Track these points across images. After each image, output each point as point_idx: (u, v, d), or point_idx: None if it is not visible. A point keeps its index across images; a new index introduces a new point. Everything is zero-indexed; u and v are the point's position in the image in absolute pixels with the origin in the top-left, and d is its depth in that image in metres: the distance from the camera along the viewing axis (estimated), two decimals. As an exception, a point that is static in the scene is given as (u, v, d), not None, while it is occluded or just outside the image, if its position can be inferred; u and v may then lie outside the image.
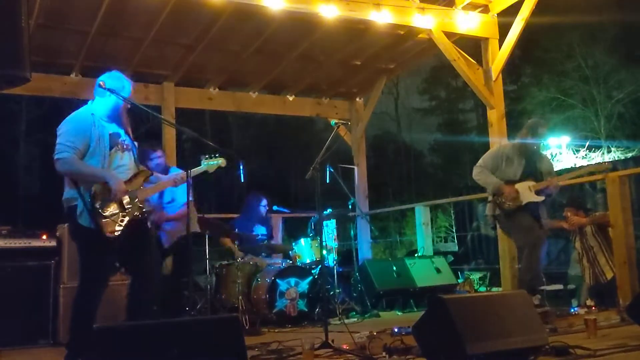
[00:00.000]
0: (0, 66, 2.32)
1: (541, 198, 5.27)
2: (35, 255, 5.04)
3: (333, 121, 4.85)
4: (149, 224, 3.87)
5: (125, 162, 3.73)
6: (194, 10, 6.29)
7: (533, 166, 5.38)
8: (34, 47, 6.34)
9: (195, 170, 4.06)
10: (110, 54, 7.09)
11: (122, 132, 3.78)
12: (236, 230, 6.42)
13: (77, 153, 3.54)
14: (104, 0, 5.86)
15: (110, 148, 3.64)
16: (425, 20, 6.51)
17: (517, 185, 5.27)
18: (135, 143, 3.89)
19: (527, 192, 5.23)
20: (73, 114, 3.71)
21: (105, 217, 3.52)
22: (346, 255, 8.30)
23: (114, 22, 6.39)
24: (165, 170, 5.15)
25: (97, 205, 3.50)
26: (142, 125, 20.72)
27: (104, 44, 6.86)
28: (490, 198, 5.37)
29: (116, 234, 3.55)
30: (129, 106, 3.77)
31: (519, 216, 5.24)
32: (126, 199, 3.61)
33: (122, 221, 3.58)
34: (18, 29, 2.36)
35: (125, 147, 3.75)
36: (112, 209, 3.56)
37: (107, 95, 3.70)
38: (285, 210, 8.13)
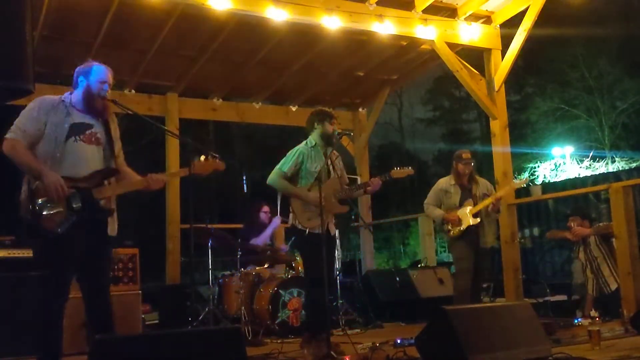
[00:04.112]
0: (4, 78, 2.34)
1: (477, 220, 5.62)
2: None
3: (336, 131, 4.83)
4: (109, 230, 3.49)
5: (86, 155, 3.42)
6: (198, 22, 6.33)
7: (468, 193, 5.77)
8: (38, 58, 6.39)
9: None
10: (115, 65, 6.98)
11: (95, 124, 3.50)
12: (239, 240, 6.42)
13: (25, 138, 3.31)
14: (108, 12, 5.92)
15: (68, 137, 3.36)
16: (428, 31, 6.53)
17: (458, 212, 5.68)
18: (113, 140, 3.58)
19: (466, 216, 5.64)
20: (42, 96, 3.50)
21: (44, 215, 3.21)
22: (349, 265, 8.29)
23: (118, 33, 6.44)
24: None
25: (37, 202, 3.21)
26: (145, 136, 20.80)
27: (108, 55, 6.88)
28: (437, 228, 5.90)
29: (59, 230, 3.22)
30: (105, 88, 3.51)
31: (455, 246, 5.74)
32: (75, 198, 3.28)
33: (67, 220, 3.25)
34: (22, 42, 2.38)
35: (95, 140, 3.47)
36: (55, 207, 3.23)
37: (79, 82, 3.54)
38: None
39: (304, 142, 4.86)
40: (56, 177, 3.24)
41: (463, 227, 5.60)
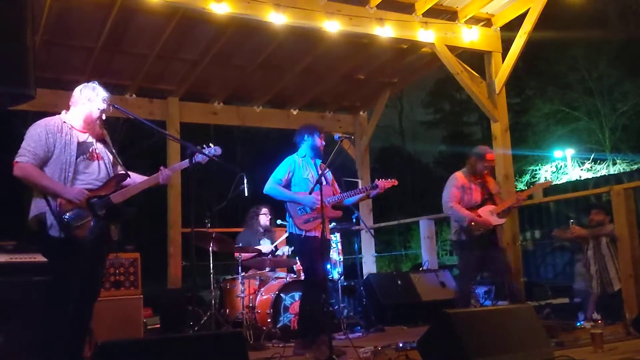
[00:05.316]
0: (5, 84, 2.34)
1: (503, 220, 5.51)
2: (41, 270, 5.02)
3: (336, 135, 4.86)
4: (114, 234, 3.75)
5: (94, 170, 3.66)
6: (199, 26, 6.35)
7: (487, 190, 5.61)
8: (39, 63, 6.40)
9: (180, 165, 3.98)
10: (116, 70, 7.15)
11: (93, 140, 3.74)
12: (240, 244, 6.41)
13: (36, 160, 3.49)
14: (109, 17, 5.92)
15: (77, 156, 3.59)
16: (428, 34, 6.53)
17: (479, 211, 5.48)
18: (113, 151, 3.84)
19: (490, 216, 5.45)
20: (44, 119, 3.66)
21: (76, 226, 3.45)
22: (351, 269, 8.27)
23: (119, 38, 6.45)
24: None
25: (66, 217, 3.43)
26: (146, 140, 20.81)
27: (110, 59, 6.92)
28: (464, 224, 5.46)
29: (88, 237, 3.48)
30: (104, 116, 3.73)
31: (468, 250, 5.50)
32: (98, 206, 3.53)
33: (95, 227, 3.51)
34: (23, 47, 2.39)
35: (97, 155, 3.70)
36: (83, 217, 3.48)
37: (81, 104, 3.69)
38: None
39: (296, 153, 5.09)
40: (76, 188, 3.50)
41: (492, 225, 5.41)
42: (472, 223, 5.39)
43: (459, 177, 5.65)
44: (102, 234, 3.61)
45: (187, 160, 3.79)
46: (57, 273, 3.58)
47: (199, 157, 3.79)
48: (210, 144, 3.86)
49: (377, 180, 4.99)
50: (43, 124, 3.60)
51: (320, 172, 4.86)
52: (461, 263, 5.77)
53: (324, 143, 5.07)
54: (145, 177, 3.84)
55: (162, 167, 3.84)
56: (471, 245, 5.45)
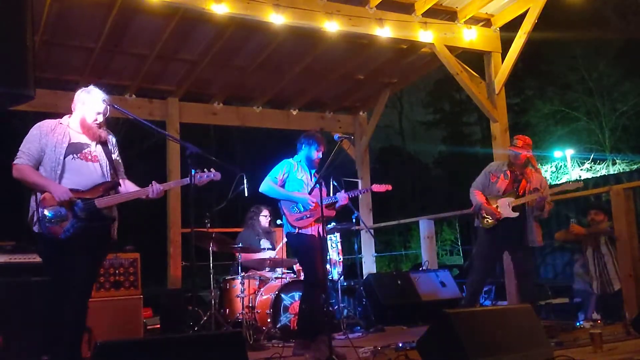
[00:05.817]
0: (5, 84, 2.34)
1: (515, 214, 5.33)
2: (40, 270, 5.03)
3: (336, 135, 4.86)
4: (114, 233, 3.80)
5: (85, 171, 3.71)
6: (199, 26, 6.35)
7: (517, 184, 5.46)
8: (39, 64, 6.41)
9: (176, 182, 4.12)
10: (115, 70, 7.16)
11: (92, 143, 3.80)
12: (240, 244, 6.41)
13: (31, 160, 3.63)
14: (109, 17, 5.93)
15: (66, 155, 3.67)
16: (428, 35, 6.54)
17: (499, 201, 5.41)
18: (114, 156, 3.89)
19: (505, 208, 5.35)
20: (42, 121, 3.79)
21: (53, 222, 3.52)
22: (350, 269, 8.28)
23: (119, 38, 6.45)
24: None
25: (46, 212, 3.51)
26: (146, 140, 20.82)
27: (109, 60, 6.93)
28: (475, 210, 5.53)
29: (62, 236, 3.52)
30: (100, 118, 3.79)
31: (484, 240, 5.50)
32: (79, 207, 3.58)
33: (72, 227, 3.55)
34: (23, 47, 2.39)
35: (92, 157, 3.77)
36: (62, 214, 3.55)
37: (77, 107, 3.81)
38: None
39: (293, 157, 5.18)
40: (63, 187, 3.57)
41: (501, 216, 5.29)
42: (482, 210, 5.39)
43: (492, 164, 5.70)
44: (102, 235, 3.67)
45: (185, 179, 3.84)
46: (46, 271, 3.70)
47: (197, 179, 3.84)
48: (211, 169, 3.90)
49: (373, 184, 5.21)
50: (38, 126, 3.73)
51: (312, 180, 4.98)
52: (477, 252, 5.75)
53: (320, 156, 5.10)
54: (137, 188, 3.88)
55: (154, 182, 3.86)
56: (485, 233, 5.45)
